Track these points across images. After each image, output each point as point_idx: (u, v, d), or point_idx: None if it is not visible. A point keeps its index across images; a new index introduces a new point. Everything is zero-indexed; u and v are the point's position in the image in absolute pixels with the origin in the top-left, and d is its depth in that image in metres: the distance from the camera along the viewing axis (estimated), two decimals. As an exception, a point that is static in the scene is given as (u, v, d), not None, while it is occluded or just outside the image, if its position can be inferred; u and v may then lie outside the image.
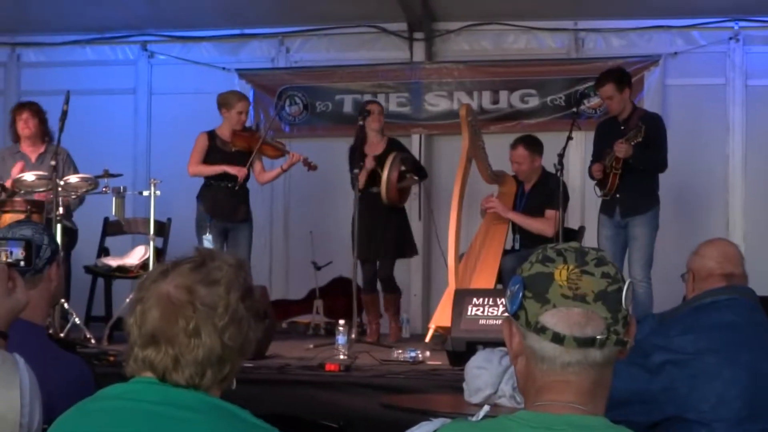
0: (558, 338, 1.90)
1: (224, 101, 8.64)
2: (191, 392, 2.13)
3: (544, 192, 8.34)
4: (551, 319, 1.92)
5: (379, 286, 8.76)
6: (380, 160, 8.53)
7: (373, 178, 8.50)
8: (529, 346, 1.95)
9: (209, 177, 8.60)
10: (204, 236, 8.35)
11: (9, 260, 2.69)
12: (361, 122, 8.58)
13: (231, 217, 8.57)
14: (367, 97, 10.06)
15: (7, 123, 8.91)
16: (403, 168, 8.53)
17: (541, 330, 1.92)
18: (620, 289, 1.93)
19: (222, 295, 2.15)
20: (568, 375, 1.92)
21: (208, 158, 8.60)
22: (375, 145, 8.64)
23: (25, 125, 8.59)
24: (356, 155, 8.44)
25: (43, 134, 8.56)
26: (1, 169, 8.53)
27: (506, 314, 2.00)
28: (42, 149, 8.60)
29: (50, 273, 3.40)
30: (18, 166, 8.27)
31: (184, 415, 2.08)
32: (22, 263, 2.73)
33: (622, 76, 8.14)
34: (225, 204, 8.55)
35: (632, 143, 7.76)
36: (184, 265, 2.18)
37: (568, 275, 1.93)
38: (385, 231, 8.60)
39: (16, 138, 8.70)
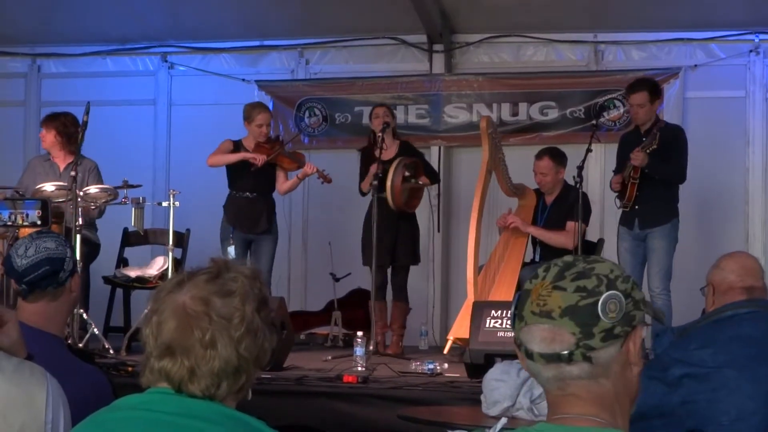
0: (529, 355, 1.92)
1: (246, 114, 8.67)
2: (207, 403, 2.13)
3: (567, 204, 8.31)
4: (525, 336, 1.94)
5: (389, 294, 8.71)
6: (389, 165, 8.48)
7: (383, 183, 8.42)
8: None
9: (232, 188, 8.67)
10: (228, 247, 8.37)
11: (26, 222, 2.71)
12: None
13: (252, 229, 8.60)
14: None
15: (27, 133, 8.92)
16: (406, 173, 8.46)
17: (519, 347, 1.95)
18: (596, 302, 1.90)
19: (237, 306, 2.15)
20: (565, 389, 1.92)
21: (230, 168, 8.66)
22: (386, 150, 8.53)
23: (42, 139, 8.63)
24: (367, 158, 8.55)
25: (68, 145, 8.49)
26: (30, 178, 8.54)
27: None
28: (71, 159, 8.52)
29: (72, 284, 3.46)
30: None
31: (200, 426, 2.08)
32: (38, 223, 2.74)
33: (656, 86, 8.18)
34: (246, 215, 8.59)
35: (647, 151, 7.76)
36: (200, 276, 2.18)
37: (539, 292, 1.93)
38: (396, 238, 8.55)
39: None
